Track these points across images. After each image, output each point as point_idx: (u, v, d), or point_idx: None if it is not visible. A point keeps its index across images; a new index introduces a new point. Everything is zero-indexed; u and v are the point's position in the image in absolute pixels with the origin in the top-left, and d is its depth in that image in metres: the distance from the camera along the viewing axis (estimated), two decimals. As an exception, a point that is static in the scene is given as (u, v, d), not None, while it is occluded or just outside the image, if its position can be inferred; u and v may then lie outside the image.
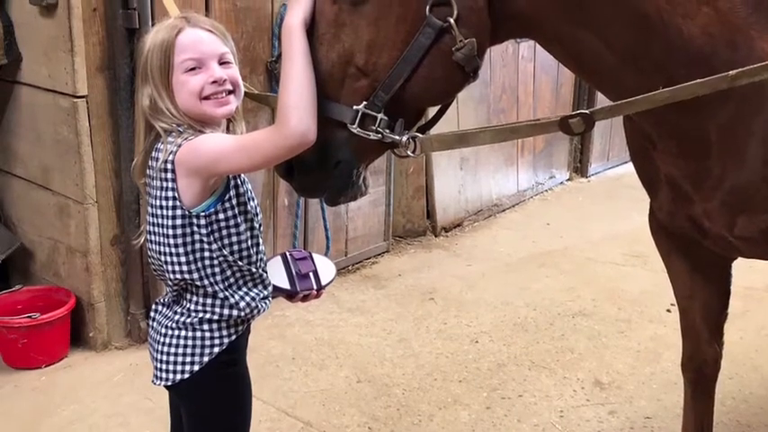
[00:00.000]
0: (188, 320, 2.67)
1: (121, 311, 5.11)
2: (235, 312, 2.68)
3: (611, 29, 2.34)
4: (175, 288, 2.71)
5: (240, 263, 2.68)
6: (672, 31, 2.31)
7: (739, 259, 3.14)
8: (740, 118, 2.46)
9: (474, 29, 2.29)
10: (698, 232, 2.87)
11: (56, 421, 4.37)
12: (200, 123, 2.60)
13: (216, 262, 2.64)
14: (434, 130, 2.61)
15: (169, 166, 2.55)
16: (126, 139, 4.67)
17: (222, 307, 2.67)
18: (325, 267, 3.02)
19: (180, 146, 2.53)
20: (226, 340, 2.70)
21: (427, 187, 7.02)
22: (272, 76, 5.22)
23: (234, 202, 2.64)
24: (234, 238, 2.66)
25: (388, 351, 5.12)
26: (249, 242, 2.70)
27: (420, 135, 2.38)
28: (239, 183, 2.67)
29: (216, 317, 2.67)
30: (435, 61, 2.31)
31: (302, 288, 2.93)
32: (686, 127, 2.52)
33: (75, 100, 4.60)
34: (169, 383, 2.72)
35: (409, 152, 2.38)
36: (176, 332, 2.69)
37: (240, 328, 2.74)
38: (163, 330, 2.72)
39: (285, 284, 2.91)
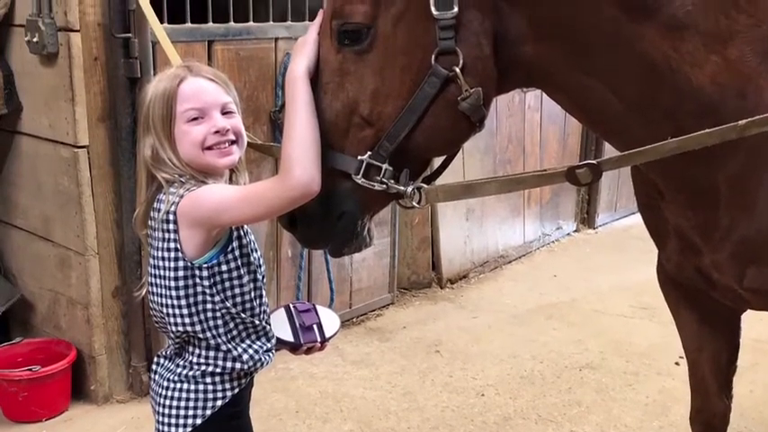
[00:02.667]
0: (190, 373, 2.65)
1: (123, 364, 5.06)
2: (238, 365, 2.65)
3: (618, 77, 2.33)
4: (177, 340, 2.68)
5: (243, 315, 2.65)
6: (680, 80, 2.30)
7: (748, 311, 3.11)
8: (750, 168, 2.44)
9: (480, 78, 2.28)
10: (706, 284, 2.84)
11: (56, 476, 4.34)
12: (203, 174, 2.59)
13: (218, 314, 2.61)
14: (440, 181, 2.60)
15: (171, 217, 2.53)
16: (127, 190, 4.66)
17: (225, 360, 2.64)
18: (330, 319, 3.00)
19: (182, 197, 2.52)
20: (228, 393, 2.68)
21: (432, 238, 6.99)
22: (276, 125, 5.21)
23: (237, 253, 2.63)
24: (237, 290, 2.64)
25: (393, 404, 5.06)
26: (252, 294, 2.68)
27: (425, 186, 2.37)
28: (242, 234, 2.66)
29: (219, 370, 2.65)
30: (441, 111, 2.29)
31: (306, 340, 2.91)
32: (695, 177, 2.50)
33: (76, 150, 4.59)
34: (171, 438, 2.69)
35: (414, 203, 2.36)
36: (178, 385, 2.66)
37: (243, 381, 2.72)
38: (165, 383, 2.69)
39: (289, 337, 2.88)
